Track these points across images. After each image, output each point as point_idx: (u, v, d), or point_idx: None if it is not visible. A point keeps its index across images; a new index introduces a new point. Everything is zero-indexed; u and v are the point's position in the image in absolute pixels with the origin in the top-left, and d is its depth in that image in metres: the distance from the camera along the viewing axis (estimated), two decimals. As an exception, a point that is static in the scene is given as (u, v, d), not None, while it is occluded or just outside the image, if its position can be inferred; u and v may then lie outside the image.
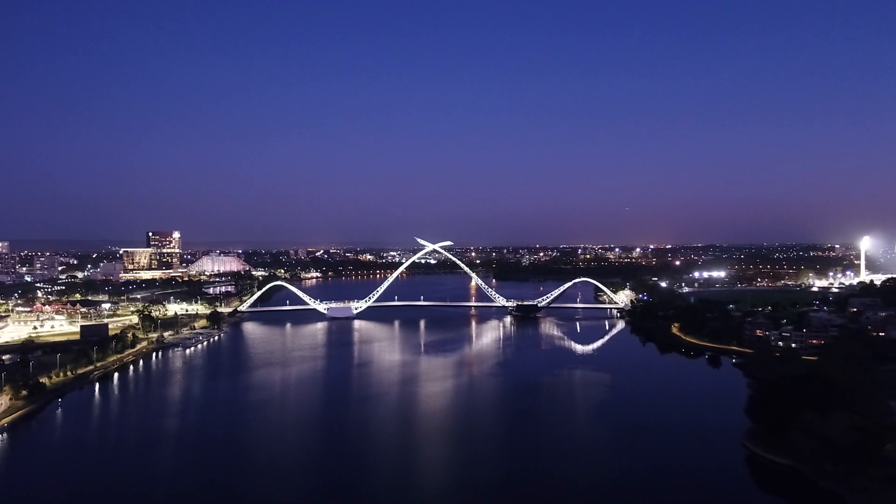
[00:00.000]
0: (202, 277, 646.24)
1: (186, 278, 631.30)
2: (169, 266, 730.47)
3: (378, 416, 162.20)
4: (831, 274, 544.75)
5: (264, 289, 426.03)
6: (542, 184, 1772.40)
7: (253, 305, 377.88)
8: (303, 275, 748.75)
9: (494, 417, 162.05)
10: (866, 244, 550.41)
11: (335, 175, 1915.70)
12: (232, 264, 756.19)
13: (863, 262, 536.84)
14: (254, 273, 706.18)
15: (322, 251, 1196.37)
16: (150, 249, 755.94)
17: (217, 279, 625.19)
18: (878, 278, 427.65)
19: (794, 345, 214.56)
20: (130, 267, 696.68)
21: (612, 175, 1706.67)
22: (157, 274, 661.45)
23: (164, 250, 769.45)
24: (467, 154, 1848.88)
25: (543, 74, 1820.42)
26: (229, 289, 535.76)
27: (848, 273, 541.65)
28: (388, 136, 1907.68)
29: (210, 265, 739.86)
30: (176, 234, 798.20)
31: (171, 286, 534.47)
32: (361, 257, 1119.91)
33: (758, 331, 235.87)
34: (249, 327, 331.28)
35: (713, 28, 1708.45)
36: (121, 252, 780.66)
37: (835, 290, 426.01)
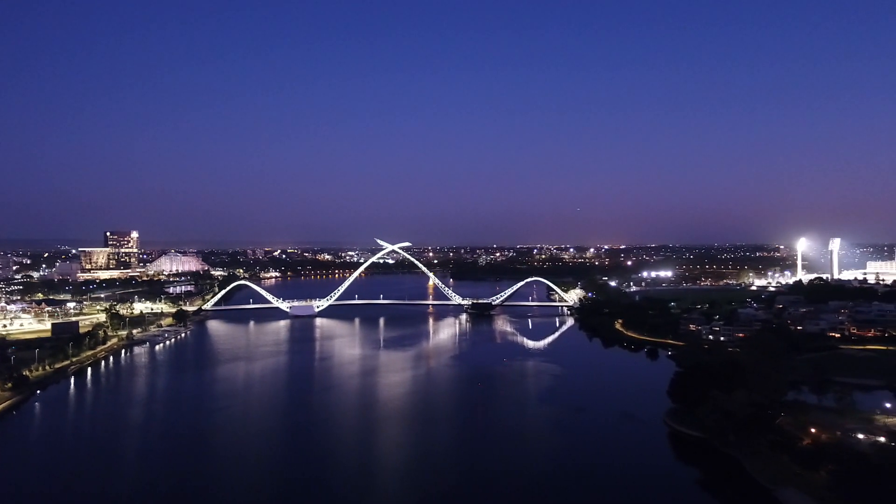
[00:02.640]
0: (161, 277, 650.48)
1: (146, 278, 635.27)
2: (127, 266, 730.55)
3: (341, 404, 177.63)
4: (770, 274, 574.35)
5: (228, 288, 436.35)
6: (499, 185, 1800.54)
7: (217, 304, 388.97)
8: (262, 274, 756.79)
9: (451, 402, 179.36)
10: (803, 245, 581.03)
11: (292, 175, 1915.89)
12: (190, 264, 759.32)
13: (799, 263, 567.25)
14: (213, 273, 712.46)
15: (280, 251, 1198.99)
16: (107, 249, 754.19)
17: (176, 279, 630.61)
18: (808, 278, 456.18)
19: (722, 338, 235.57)
20: (88, 266, 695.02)
21: (570, 176, 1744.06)
22: (115, 273, 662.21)
23: (123, 250, 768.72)
24: (425, 155, 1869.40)
25: (498, 75, 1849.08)
26: (189, 288, 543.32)
27: (786, 273, 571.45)
28: (345, 137, 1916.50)
29: (168, 265, 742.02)
30: (134, 234, 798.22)
31: (131, 286, 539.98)
32: (320, 257, 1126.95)
33: (691, 326, 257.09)
34: (214, 325, 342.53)
35: (662, 33, 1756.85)
36: (75, 252, 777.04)
37: (771, 288, 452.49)
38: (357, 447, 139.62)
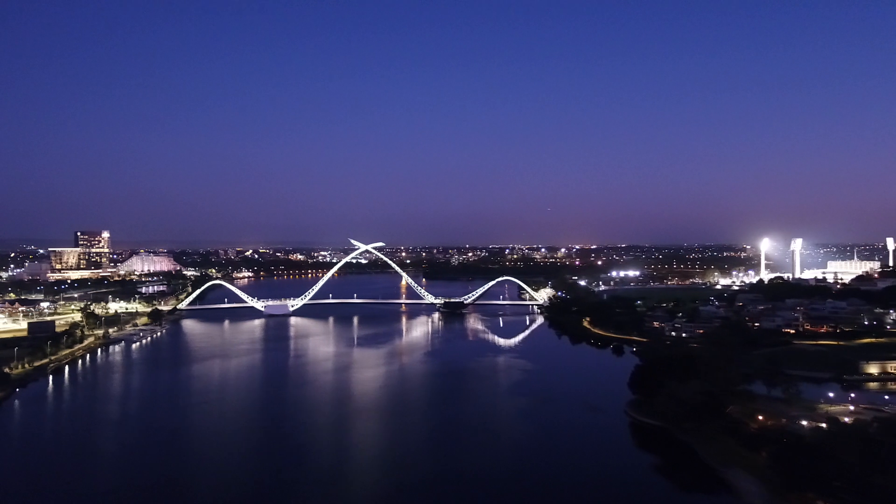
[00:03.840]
0: (133, 277, 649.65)
1: (118, 278, 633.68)
2: (98, 266, 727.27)
3: (316, 399, 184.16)
4: (735, 273, 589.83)
5: (202, 287, 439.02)
6: (472, 185, 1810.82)
7: (191, 303, 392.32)
8: (235, 274, 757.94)
9: (424, 396, 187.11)
10: (766, 245, 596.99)
11: (263, 175, 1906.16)
12: (162, 264, 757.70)
13: (762, 262, 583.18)
14: (185, 273, 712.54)
15: (252, 251, 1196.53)
16: (78, 249, 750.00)
17: (149, 279, 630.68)
18: (770, 277, 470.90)
19: (683, 334, 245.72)
20: (59, 266, 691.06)
21: (543, 177, 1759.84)
22: (86, 273, 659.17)
23: (94, 250, 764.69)
24: (398, 155, 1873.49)
25: (471, 76, 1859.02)
26: (162, 288, 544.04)
27: (750, 272, 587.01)
28: (317, 138, 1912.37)
29: (140, 265, 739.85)
30: (105, 234, 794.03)
31: (103, 286, 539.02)
32: (292, 257, 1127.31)
33: (655, 323, 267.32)
34: (189, 324, 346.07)
35: (633, 35, 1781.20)
36: (44, 252, 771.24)
37: (735, 287, 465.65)
38: (332, 440, 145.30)
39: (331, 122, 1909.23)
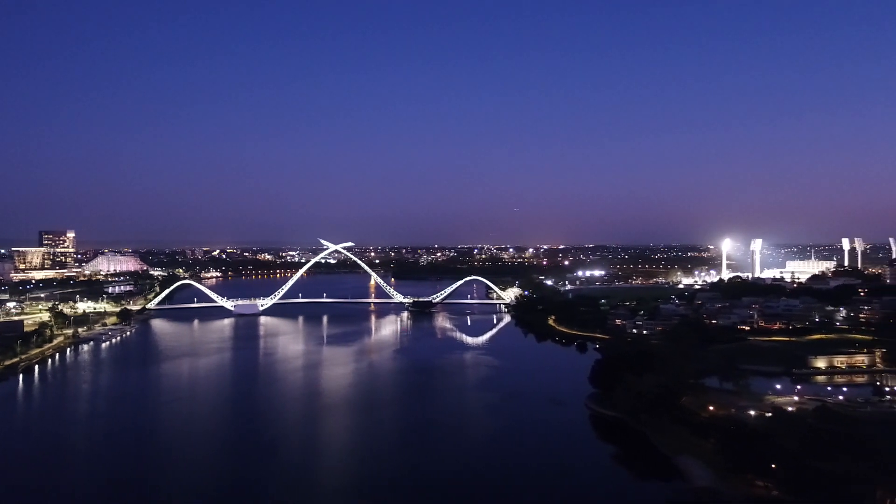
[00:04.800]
0: (99, 277, 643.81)
1: (83, 278, 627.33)
2: (63, 266, 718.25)
3: (286, 396, 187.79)
4: (697, 273, 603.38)
5: (172, 287, 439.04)
6: (442, 186, 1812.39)
7: (160, 303, 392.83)
8: (203, 274, 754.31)
9: (393, 391, 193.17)
10: (728, 246, 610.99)
11: (230, 175, 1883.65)
12: (129, 264, 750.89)
13: (724, 262, 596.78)
14: (152, 272, 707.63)
15: (219, 251, 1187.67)
16: (42, 249, 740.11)
17: (115, 279, 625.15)
18: (729, 276, 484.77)
19: (644, 331, 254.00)
20: (22, 266, 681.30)
21: (512, 178, 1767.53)
22: (51, 273, 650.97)
23: (58, 250, 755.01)
24: (367, 156, 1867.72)
25: (437, 76, 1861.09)
26: (129, 288, 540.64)
27: (711, 272, 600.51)
28: (284, 138, 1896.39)
29: (106, 265, 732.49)
30: (70, 234, 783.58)
31: (69, 286, 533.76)
32: (260, 257, 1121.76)
33: (617, 321, 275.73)
34: (159, 324, 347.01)
35: (599, 36, 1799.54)
36: (5, 252, 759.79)
37: (697, 287, 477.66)
38: (302, 436, 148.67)
39: (299, 123, 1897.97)
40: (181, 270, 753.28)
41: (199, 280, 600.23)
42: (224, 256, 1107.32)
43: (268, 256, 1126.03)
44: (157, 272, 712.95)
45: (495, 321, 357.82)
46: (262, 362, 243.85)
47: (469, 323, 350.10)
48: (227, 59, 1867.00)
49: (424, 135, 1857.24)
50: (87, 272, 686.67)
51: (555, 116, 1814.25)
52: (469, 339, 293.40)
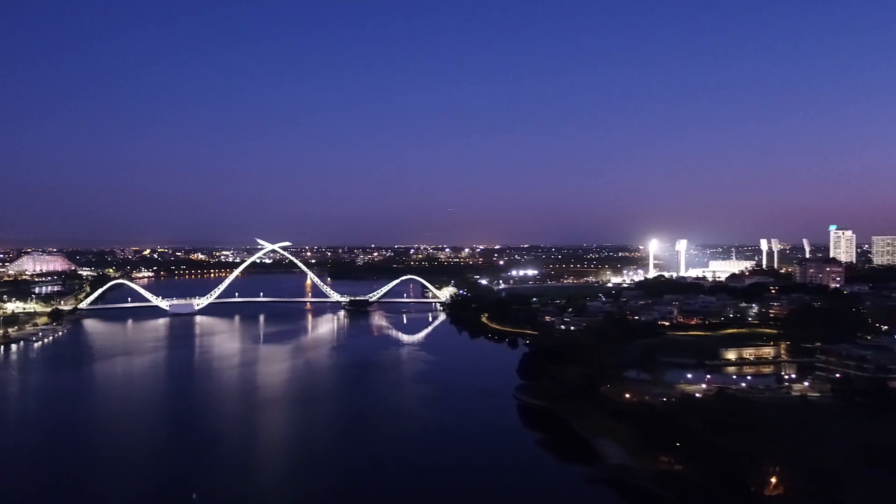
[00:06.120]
0: (25, 277, 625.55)
1: (8, 278, 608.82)
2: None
3: (222, 392, 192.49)
4: (626, 272, 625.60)
5: (105, 287, 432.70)
6: (379, 186, 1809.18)
7: (93, 303, 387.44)
8: (135, 274, 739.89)
9: (332, 386, 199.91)
10: (655, 246, 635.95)
11: (160, 173, 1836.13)
12: (56, 264, 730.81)
13: (651, 262, 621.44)
14: (81, 272, 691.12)
15: (150, 250, 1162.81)
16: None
17: (42, 279, 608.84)
18: (654, 275, 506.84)
19: (571, 327, 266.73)
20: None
21: (449, 178, 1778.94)
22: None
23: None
24: (303, 155, 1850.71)
25: (374, 77, 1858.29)
26: (58, 288, 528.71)
27: (639, 271, 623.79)
28: (218, 135, 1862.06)
29: (31, 265, 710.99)
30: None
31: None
32: (193, 256, 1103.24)
33: (547, 317, 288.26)
34: (92, 324, 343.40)
35: (533, 39, 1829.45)
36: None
37: (624, 285, 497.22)
38: (238, 431, 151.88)
39: (232, 121, 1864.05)
40: (111, 270, 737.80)
41: (132, 280, 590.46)
42: (155, 256, 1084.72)
43: (201, 256, 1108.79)
44: (86, 272, 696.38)
45: (431, 319, 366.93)
46: (198, 360, 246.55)
47: (405, 321, 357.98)
48: (155, 56, 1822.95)
49: (361, 135, 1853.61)
50: (11, 272, 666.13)
51: (491, 118, 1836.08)
52: (405, 337, 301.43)
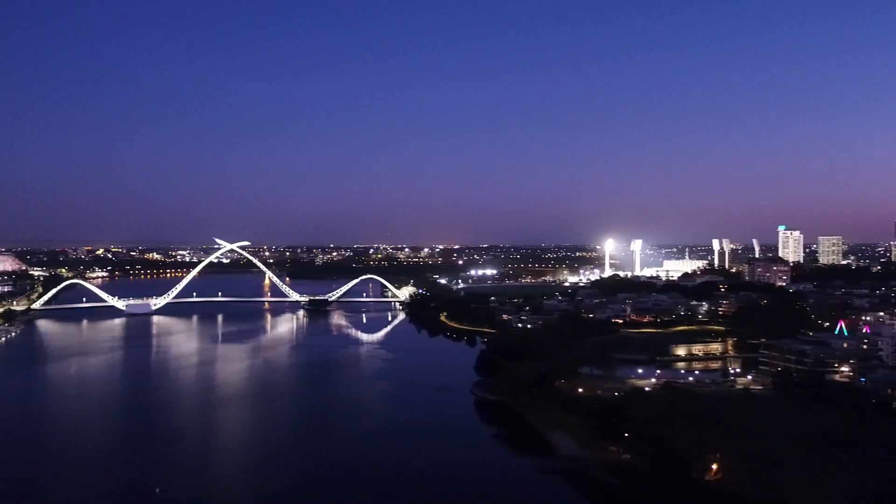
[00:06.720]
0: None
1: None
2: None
3: (182, 390, 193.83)
4: (583, 271, 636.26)
5: (59, 287, 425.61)
6: (338, 185, 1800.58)
7: (47, 303, 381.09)
8: (88, 274, 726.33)
9: (292, 384, 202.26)
10: (611, 246, 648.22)
11: (113, 172, 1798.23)
12: (6, 264, 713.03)
13: (607, 261, 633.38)
14: (32, 272, 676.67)
15: (104, 250, 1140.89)
16: None
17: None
18: (609, 274, 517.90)
19: (528, 325, 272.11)
20: None
21: (409, 178, 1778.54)
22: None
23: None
24: (261, 154, 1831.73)
25: (333, 78, 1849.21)
26: (8, 288, 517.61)
27: (596, 271, 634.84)
28: (174, 133, 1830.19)
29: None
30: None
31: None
32: (148, 256, 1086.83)
33: (504, 316, 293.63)
34: (46, 324, 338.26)
35: (492, 39, 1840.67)
36: None
37: (581, 284, 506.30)
38: (195, 429, 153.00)
39: (186, 119, 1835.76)
40: (64, 270, 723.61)
41: (86, 280, 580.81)
42: (109, 256, 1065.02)
43: (156, 256, 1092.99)
44: (37, 272, 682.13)
45: (390, 318, 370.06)
46: (156, 360, 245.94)
47: (364, 320, 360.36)
48: (104, 53, 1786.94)
49: (319, 134, 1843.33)
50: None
51: (449, 118, 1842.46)
52: (364, 336, 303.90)
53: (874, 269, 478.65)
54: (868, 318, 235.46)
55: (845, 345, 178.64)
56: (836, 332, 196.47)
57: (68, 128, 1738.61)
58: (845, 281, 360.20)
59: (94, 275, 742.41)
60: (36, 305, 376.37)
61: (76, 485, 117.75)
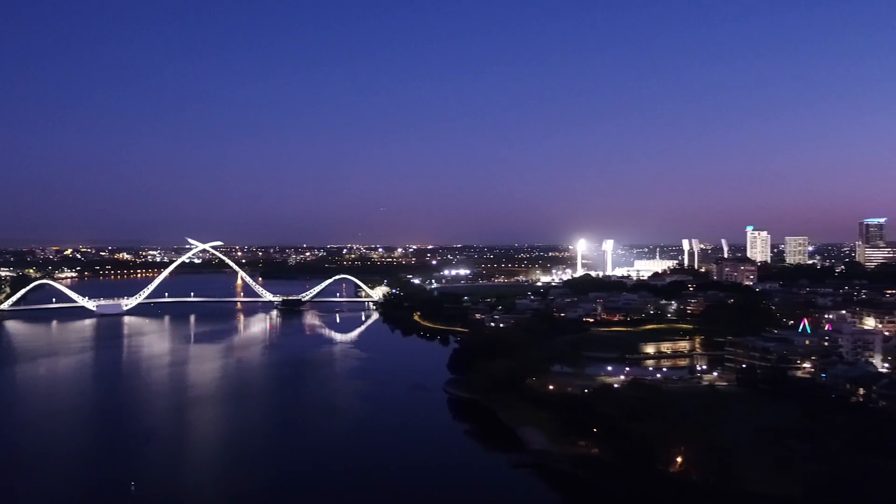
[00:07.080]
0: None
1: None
2: None
3: (154, 390, 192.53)
4: (555, 271, 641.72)
5: (28, 287, 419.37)
6: (311, 185, 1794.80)
7: (15, 304, 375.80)
8: (57, 274, 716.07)
9: (266, 382, 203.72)
10: (583, 246, 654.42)
11: (82, 171, 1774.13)
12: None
13: (579, 261, 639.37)
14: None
15: (72, 250, 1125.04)
16: None
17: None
18: (580, 274, 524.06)
19: (501, 324, 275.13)
20: None
21: (382, 178, 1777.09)
22: None
23: None
24: (233, 153, 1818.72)
25: (306, 77, 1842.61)
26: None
27: (568, 270, 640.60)
28: (144, 132, 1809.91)
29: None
30: None
31: None
32: (118, 256, 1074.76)
33: (477, 315, 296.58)
34: (14, 325, 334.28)
35: (466, 39, 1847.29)
36: None
37: (553, 284, 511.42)
38: (171, 427, 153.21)
39: (157, 117, 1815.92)
40: (31, 270, 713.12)
41: (55, 280, 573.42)
42: (78, 256, 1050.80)
43: (127, 256, 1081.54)
44: (4, 272, 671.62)
45: (364, 318, 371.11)
46: (128, 360, 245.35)
47: (338, 320, 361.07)
48: (73, 54, 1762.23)
49: (292, 135, 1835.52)
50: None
51: (423, 118, 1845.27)
52: (338, 335, 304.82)
53: (838, 269, 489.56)
54: (831, 317, 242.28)
55: (807, 342, 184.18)
56: (799, 330, 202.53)
57: (34, 127, 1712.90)
58: (810, 280, 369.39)
59: (64, 275, 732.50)
60: (4, 306, 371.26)
61: (49, 484, 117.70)
